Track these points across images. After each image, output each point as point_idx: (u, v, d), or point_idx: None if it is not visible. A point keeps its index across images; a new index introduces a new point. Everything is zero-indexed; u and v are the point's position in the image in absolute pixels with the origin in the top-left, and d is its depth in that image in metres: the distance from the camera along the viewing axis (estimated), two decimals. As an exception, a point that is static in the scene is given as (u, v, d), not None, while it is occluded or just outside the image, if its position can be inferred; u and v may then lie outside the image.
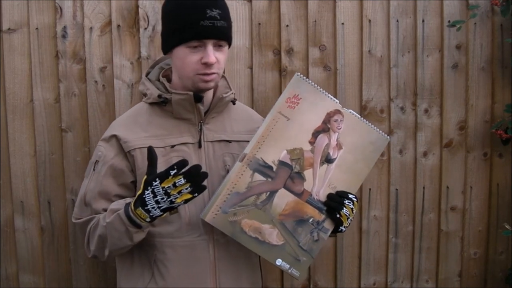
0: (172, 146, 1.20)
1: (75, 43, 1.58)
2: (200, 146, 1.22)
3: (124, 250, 1.16)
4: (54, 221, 1.62)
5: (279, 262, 1.20)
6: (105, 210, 1.17)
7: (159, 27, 1.57)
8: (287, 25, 1.65)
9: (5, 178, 1.59)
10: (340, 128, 1.20)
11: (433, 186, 1.76)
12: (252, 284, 1.28)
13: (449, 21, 1.69)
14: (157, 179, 1.03)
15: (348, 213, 1.20)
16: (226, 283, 1.21)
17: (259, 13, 1.64)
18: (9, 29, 1.55)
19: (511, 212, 1.78)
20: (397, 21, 1.69)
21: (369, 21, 1.68)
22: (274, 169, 1.17)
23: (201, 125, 1.23)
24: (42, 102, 1.58)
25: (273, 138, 1.16)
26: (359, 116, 1.22)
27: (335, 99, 1.20)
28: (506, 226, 1.67)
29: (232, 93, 1.28)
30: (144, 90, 1.26)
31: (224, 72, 1.60)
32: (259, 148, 1.15)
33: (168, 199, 1.03)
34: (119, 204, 1.14)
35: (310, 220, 1.21)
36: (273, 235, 1.18)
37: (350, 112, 1.21)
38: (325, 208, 1.21)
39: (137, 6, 1.59)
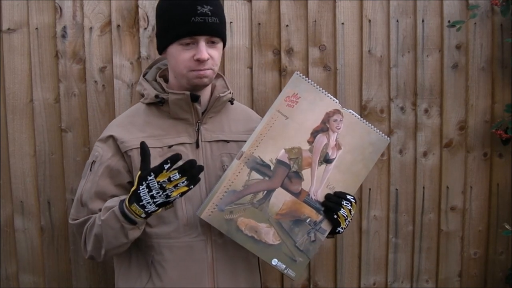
0: (170, 146, 1.20)
1: (75, 43, 1.58)
2: (197, 146, 1.22)
3: (121, 250, 1.16)
4: (54, 221, 1.62)
5: (275, 262, 1.19)
6: (101, 210, 1.17)
7: (159, 27, 1.57)
8: (287, 25, 1.65)
9: (5, 178, 1.59)
10: (339, 128, 1.19)
11: (433, 186, 1.76)
12: (250, 285, 1.28)
13: (449, 21, 1.69)
14: (151, 174, 1.02)
15: (346, 214, 1.19)
16: (224, 284, 1.20)
17: (259, 13, 1.64)
18: (9, 29, 1.55)
19: (511, 212, 1.78)
20: (397, 21, 1.69)
21: (369, 21, 1.68)
22: (272, 168, 1.16)
23: (198, 125, 1.22)
24: (42, 102, 1.58)
25: (271, 136, 1.15)
26: (359, 117, 1.21)
27: (334, 98, 1.19)
28: (506, 226, 1.67)
29: (230, 93, 1.27)
30: (142, 90, 1.26)
31: (224, 73, 1.62)
32: (257, 146, 1.15)
33: (164, 193, 1.03)
34: (113, 201, 1.14)
35: (307, 221, 1.20)
36: (270, 235, 1.17)
37: (350, 112, 1.20)
38: (322, 208, 1.20)
39: (137, 6, 1.59)
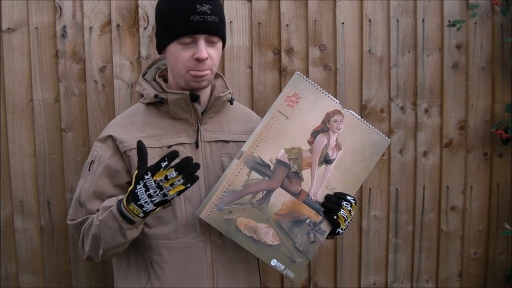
0: (169, 147, 1.19)
1: (74, 43, 1.58)
2: (197, 147, 1.21)
3: (119, 250, 1.15)
4: (53, 221, 1.62)
5: (274, 262, 1.18)
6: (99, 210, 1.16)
7: (158, 27, 1.57)
8: (287, 25, 1.65)
9: (4, 178, 1.59)
10: (340, 129, 1.19)
11: (433, 186, 1.76)
12: (250, 286, 1.27)
13: (449, 21, 1.69)
14: (148, 173, 1.02)
15: (346, 215, 1.19)
16: (223, 284, 1.20)
17: (259, 12, 1.64)
18: (8, 28, 1.55)
19: (511, 212, 1.78)
20: (397, 20, 1.69)
21: (369, 20, 1.68)
22: (272, 168, 1.15)
23: (198, 125, 1.22)
24: (42, 102, 1.58)
25: (271, 136, 1.15)
26: (359, 117, 1.21)
27: (335, 99, 1.19)
28: (506, 226, 1.67)
29: (229, 93, 1.27)
30: (141, 90, 1.26)
31: (224, 73, 1.62)
32: (257, 146, 1.14)
33: (161, 192, 1.02)
34: (111, 201, 1.13)
35: (307, 221, 1.19)
36: (269, 235, 1.17)
37: (350, 112, 1.20)
38: (322, 209, 1.20)
39: (137, 6, 1.59)
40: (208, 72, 1.15)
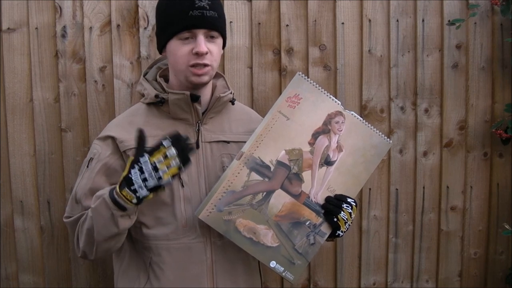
0: None
1: (74, 43, 1.58)
2: (197, 147, 1.21)
3: (112, 244, 1.13)
4: (53, 221, 1.62)
5: (273, 264, 1.17)
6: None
7: (158, 27, 1.57)
8: (287, 25, 1.65)
9: (4, 178, 1.59)
10: (341, 130, 1.18)
11: (433, 186, 1.76)
12: (250, 287, 1.26)
13: (448, 20, 1.69)
14: (145, 155, 1.01)
15: (346, 217, 1.18)
16: (223, 285, 1.19)
17: (259, 12, 1.64)
18: (8, 28, 1.55)
19: (511, 212, 1.78)
20: (397, 20, 1.69)
21: (369, 20, 1.68)
22: (272, 169, 1.15)
23: (198, 126, 1.22)
24: (42, 101, 1.58)
25: (272, 137, 1.14)
26: (361, 119, 1.20)
27: (336, 100, 1.17)
28: (506, 226, 1.67)
29: (231, 93, 1.26)
30: (142, 90, 1.26)
31: (224, 73, 1.62)
32: (257, 147, 1.13)
33: (156, 174, 1.01)
34: (104, 190, 1.12)
35: (307, 223, 1.18)
36: (268, 237, 1.16)
37: (352, 114, 1.18)
38: (322, 211, 1.19)
39: (137, 6, 1.59)
40: (208, 67, 1.15)
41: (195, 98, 1.17)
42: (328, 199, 1.19)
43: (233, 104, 1.30)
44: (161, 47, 1.21)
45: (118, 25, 1.59)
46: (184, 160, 1.03)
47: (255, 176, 1.14)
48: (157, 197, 1.10)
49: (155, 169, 1.01)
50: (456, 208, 1.78)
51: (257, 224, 1.15)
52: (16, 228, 1.61)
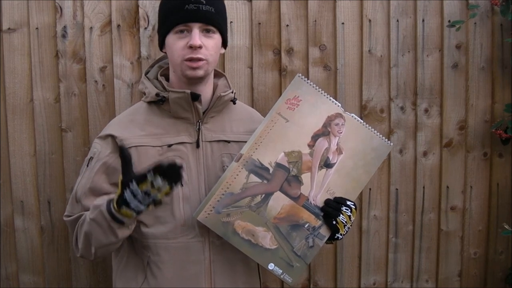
0: (169, 146, 1.19)
1: (75, 43, 1.58)
2: (198, 146, 1.21)
3: (111, 248, 1.14)
4: (54, 221, 1.62)
5: (271, 266, 1.17)
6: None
7: (159, 27, 1.57)
8: (287, 25, 1.65)
9: (5, 178, 1.59)
10: (341, 133, 1.17)
11: (433, 186, 1.76)
12: (249, 287, 1.26)
13: (449, 21, 1.69)
14: (133, 182, 0.98)
15: (345, 220, 1.17)
16: (221, 285, 1.19)
17: (259, 12, 1.64)
18: (9, 29, 1.55)
19: (511, 212, 1.78)
20: (397, 20, 1.69)
21: (369, 21, 1.68)
22: (271, 171, 1.14)
23: (199, 125, 1.21)
24: (42, 101, 1.58)
25: (271, 139, 1.13)
26: (362, 121, 1.19)
27: (337, 102, 1.17)
28: (506, 226, 1.67)
29: (232, 92, 1.26)
30: (143, 89, 1.26)
31: (224, 71, 1.62)
32: (256, 149, 1.13)
33: (150, 198, 1.00)
34: (102, 200, 1.11)
35: (306, 226, 1.18)
36: (267, 239, 1.15)
37: (352, 116, 1.18)
38: (321, 213, 1.18)
39: (137, 6, 1.59)
40: (203, 61, 1.14)
41: (196, 97, 1.17)
42: (327, 202, 1.18)
43: (234, 103, 1.30)
44: (161, 43, 1.21)
45: (118, 25, 1.59)
46: (175, 179, 0.99)
47: (253, 178, 1.13)
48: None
49: (147, 194, 0.99)
50: (456, 208, 1.78)
51: (255, 226, 1.15)
52: (16, 228, 1.61)
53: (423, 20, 1.70)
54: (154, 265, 1.17)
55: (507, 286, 1.79)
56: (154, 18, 1.59)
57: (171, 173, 0.98)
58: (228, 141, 1.24)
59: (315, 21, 1.66)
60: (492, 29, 1.72)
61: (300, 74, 1.14)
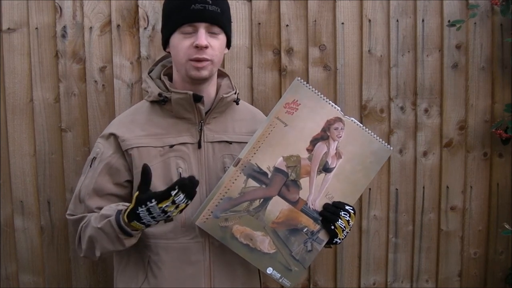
0: (171, 146, 1.19)
1: (74, 43, 1.58)
2: (199, 147, 1.21)
3: (116, 251, 1.16)
4: (54, 221, 1.62)
5: (270, 270, 1.17)
6: (98, 208, 1.16)
7: (159, 27, 1.57)
8: (287, 25, 1.65)
9: (5, 178, 1.59)
10: (340, 137, 1.16)
11: (433, 186, 1.76)
12: (248, 287, 1.27)
13: (449, 21, 1.69)
14: (153, 200, 0.99)
15: (344, 225, 1.17)
16: (220, 286, 1.19)
17: (259, 12, 1.64)
18: (9, 29, 1.55)
19: (511, 212, 1.78)
20: (397, 21, 1.69)
21: (369, 21, 1.68)
22: (269, 176, 1.13)
23: (201, 125, 1.21)
24: (42, 101, 1.58)
25: (270, 144, 1.12)
26: (361, 125, 1.18)
27: (336, 106, 1.16)
28: (506, 226, 1.67)
29: (235, 93, 1.26)
30: (146, 88, 1.26)
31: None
32: (254, 153, 1.12)
33: (165, 215, 1.01)
34: (110, 209, 1.12)
35: (304, 230, 1.18)
36: (265, 243, 1.15)
37: (352, 120, 1.17)
38: (320, 218, 1.18)
39: (137, 6, 1.59)
40: (208, 62, 1.14)
41: (198, 98, 1.17)
42: (326, 207, 1.18)
43: (237, 104, 1.29)
44: (165, 42, 1.21)
45: (118, 25, 1.59)
46: (192, 195, 1.02)
47: (252, 183, 1.13)
48: None
49: (164, 212, 1.01)
50: (456, 208, 1.78)
51: (254, 231, 1.15)
52: (16, 228, 1.61)
53: (423, 20, 1.70)
54: (155, 264, 1.17)
55: (507, 286, 1.79)
56: (154, 18, 1.59)
57: (190, 188, 1.00)
58: (230, 142, 1.24)
59: (315, 21, 1.66)
60: (492, 29, 1.72)
61: (299, 78, 1.13)
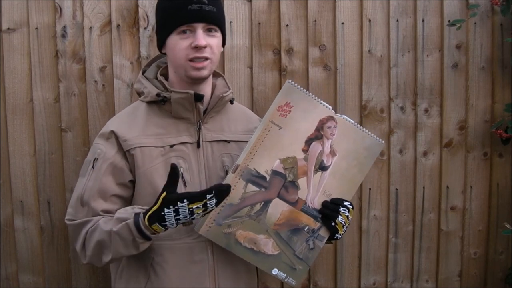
0: (171, 146, 1.19)
1: (74, 43, 1.58)
2: (198, 146, 1.21)
3: (127, 256, 1.14)
4: (53, 221, 1.62)
5: (275, 271, 1.19)
6: (103, 211, 1.15)
7: (159, 27, 1.57)
8: (287, 25, 1.65)
9: (5, 178, 1.59)
10: (334, 135, 1.17)
11: (433, 186, 1.76)
12: (250, 286, 1.27)
13: (449, 21, 1.69)
14: (185, 200, 0.99)
15: (344, 220, 1.18)
16: (225, 285, 1.20)
17: (259, 12, 1.64)
18: (8, 28, 1.55)
19: (511, 212, 1.78)
20: (397, 20, 1.69)
21: (369, 20, 1.68)
22: (268, 179, 1.14)
23: (199, 125, 1.21)
24: (42, 101, 1.58)
25: (266, 147, 1.13)
26: (353, 122, 1.19)
27: (328, 105, 1.16)
28: (507, 226, 1.67)
29: (231, 93, 1.27)
30: (141, 88, 1.25)
31: (224, 73, 1.62)
32: (252, 158, 1.13)
33: (192, 217, 1.01)
34: (126, 213, 1.10)
35: (305, 229, 1.19)
36: (269, 245, 1.17)
37: (343, 117, 1.18)
38: (320, 216, 1.20)
39: (137, 6, 1.59)
40: (207, 61, 1.15)
41: (199, 98, 1.17)
42: (324, 204, 1.19)
43: (232, 103, 1.30)
44: (161, 44, 1.20)
45: (118, 25, 1.59)
46: (220, 202, 1.03)
47: (251, 188, 1.14)
48: None
49: (191, 213, 1.00)
50: (456, 208, 1.78)
51: (257, 234, 1.16)
52: (16, 228, 1.61)
53: (423, 20, 1.70)
54: (158, 265, 1.17)
55: (507, 286, 1.79)
56: (153, 18, 1.58)
57: (224, 196, 1.01)
58: (228, 141, 1.24)
59: (315, 21, 1.66)
60: (492, 29, 1.72)
61: (290, 80, 1.13)
